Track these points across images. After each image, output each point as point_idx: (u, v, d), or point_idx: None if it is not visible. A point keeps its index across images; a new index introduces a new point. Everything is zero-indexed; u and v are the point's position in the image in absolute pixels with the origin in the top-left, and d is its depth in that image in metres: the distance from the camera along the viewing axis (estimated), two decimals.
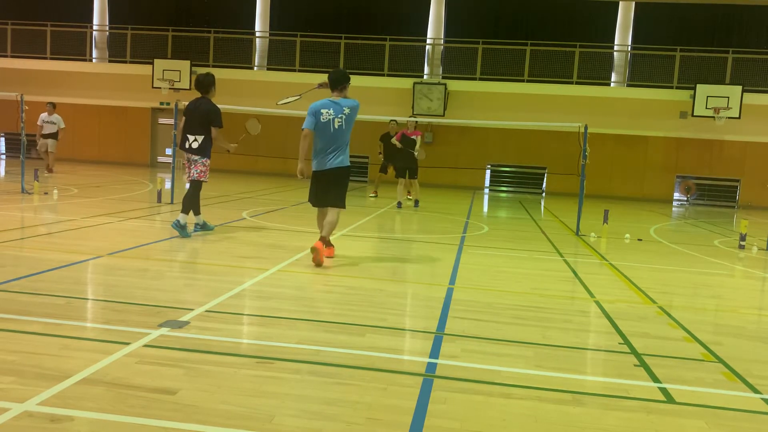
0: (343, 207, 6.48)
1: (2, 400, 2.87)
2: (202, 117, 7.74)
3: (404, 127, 13.44)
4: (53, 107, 16.15)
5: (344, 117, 6.22)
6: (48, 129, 15.96)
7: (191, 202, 7.89)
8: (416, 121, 13.90)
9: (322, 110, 6.21)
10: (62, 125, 16.18)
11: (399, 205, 13.17)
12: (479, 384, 3.45)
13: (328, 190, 6.37)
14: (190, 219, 7.99)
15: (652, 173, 20.60)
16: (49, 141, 16.02)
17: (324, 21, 22.32)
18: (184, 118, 7.93)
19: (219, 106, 7.95)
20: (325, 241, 6.46)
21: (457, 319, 4.75)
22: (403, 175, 13.25)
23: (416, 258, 7.57)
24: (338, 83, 6.38)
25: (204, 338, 3.93)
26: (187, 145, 7.81)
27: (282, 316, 4.56)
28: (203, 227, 8.17)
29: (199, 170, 7.86)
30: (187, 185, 7.99)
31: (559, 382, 3.57)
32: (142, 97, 22.45)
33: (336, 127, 6.16)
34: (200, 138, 7.74)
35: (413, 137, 13.13)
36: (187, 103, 8.03)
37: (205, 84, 7.87)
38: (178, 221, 7.67)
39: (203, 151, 7.81)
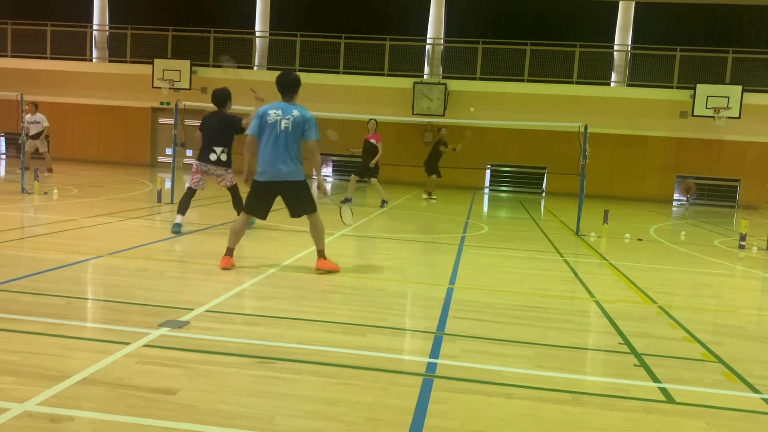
0: (315, 210, 5.99)
1: (2, 400, 2.87)
2: (226, 127, 7.90)
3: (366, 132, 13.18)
4: (35, 107, 16.15)
5: (292, 119, 5.61)
6: (34, 129, 15.95)
7: (242, 203, 7.98)
8: (376, 122, 13.17)
9: (269, 111, 5.65)
10: (46, 123, 16.20)
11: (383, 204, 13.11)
12: (479, 384, 3.45)
13: (286, 202, 5.91)
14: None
15: (652, 173, 20.59)
16: (38, 141, 16.03)
17: (324, 21, 22.32)
18: (199, 133, 8.04)
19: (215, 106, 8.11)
20: (322, 254, 6.08)
21: (457, 319, 4.75)
22: (361, 176, 13.16)
23: (416, 258, 7.57)
24: (288, 89, 5.77)
25: (204, 338, 3.93)
26: (214, 158, 7.92)
27: (282, 316, 4.56)
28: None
29: (230, 178, 8.14)
30: (182, 190, 8.12)
31: (560, 382, 3.57)
32: (142, 97, 22.44)
33: (282, 128, 5.57)
34: (227, 149, 7.97)
35: (373, 141, 12.82)
36: (202, 120, 8.16)
37: (221, 98, 8.00)
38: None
39: (230, 162, 8.08)
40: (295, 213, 5.99)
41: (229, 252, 5.93)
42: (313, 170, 5.95)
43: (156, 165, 23.07)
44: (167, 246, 7.24)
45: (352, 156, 15.88)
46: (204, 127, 8.04)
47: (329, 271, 6.05)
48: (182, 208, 8.13)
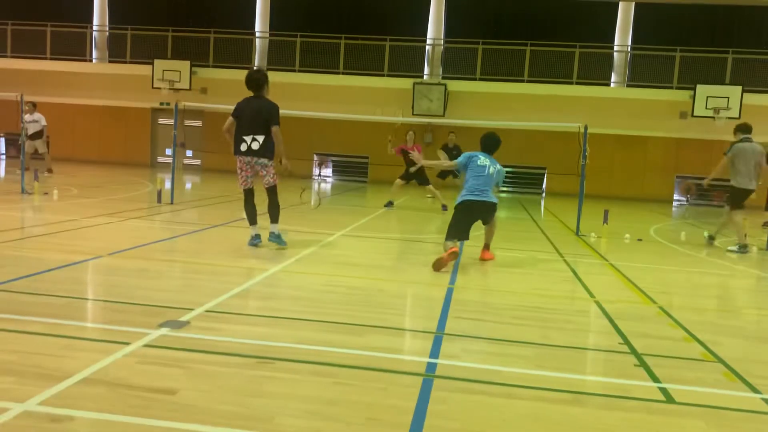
0: (492, 221, 7.63)
1: (2, 400, 2.86)
2: (259, 115, 6.88)
3: (403, 142, 13.05)
4: (34, 106, 16.15)
5: (495, 170, 7.41)
6: (33, 128, 15.97)
7: (277, 210, 7.29)
8: (413, 133, 13.13)
9: (479, 156, 7.46)
10: (44, 122, 16.22)
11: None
12: (479, 384, 3.45)
13: (483, 217, 7.45)
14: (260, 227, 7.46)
15: (652, 174, 20.59)
16: (37, 142, 16.03)
17: (324, 21, 22.33)
18: (231, 119, 7.02)
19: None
20: (487, 247, 7.73)
21: (457, 319, 4.75)
22: (423, 183, 13.10)
23: (416, 258, 7.56)
24: (493, 147, 7.62)
25: (204, 338, 3.93)
26: (244, 148, 6.92)
27: (282, 316, 4.56)
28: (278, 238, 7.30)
29: (272, 175, 7.16)
30: (245, 190, 7.26)
31: (560, 382, 3.56)
32: (142, 98, 22.45)
33: (489, 173, 7.33)
34: (260, 138, 6.90)
35: (414, 152, 12.44)
36: (236, 104, 7.12)
37: (255, 80, 7.00)
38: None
39: (269, 152, 7.02)
40: (486, 221, 7.58)
41: (486, 246, 7.68)
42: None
43: (156, 165, 23.07)
44: (167, 246, 7.24)
45: (354, 157, 15.77)
46: (237, 113, 6.99)
47: (485, 260, 7.54)
48: (251, 218, 7.29)
